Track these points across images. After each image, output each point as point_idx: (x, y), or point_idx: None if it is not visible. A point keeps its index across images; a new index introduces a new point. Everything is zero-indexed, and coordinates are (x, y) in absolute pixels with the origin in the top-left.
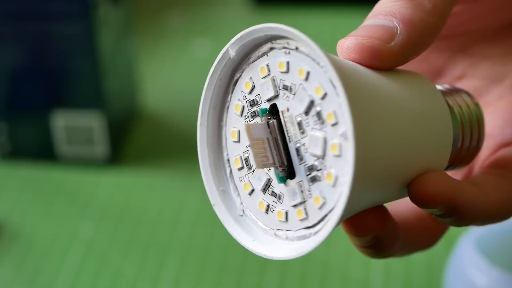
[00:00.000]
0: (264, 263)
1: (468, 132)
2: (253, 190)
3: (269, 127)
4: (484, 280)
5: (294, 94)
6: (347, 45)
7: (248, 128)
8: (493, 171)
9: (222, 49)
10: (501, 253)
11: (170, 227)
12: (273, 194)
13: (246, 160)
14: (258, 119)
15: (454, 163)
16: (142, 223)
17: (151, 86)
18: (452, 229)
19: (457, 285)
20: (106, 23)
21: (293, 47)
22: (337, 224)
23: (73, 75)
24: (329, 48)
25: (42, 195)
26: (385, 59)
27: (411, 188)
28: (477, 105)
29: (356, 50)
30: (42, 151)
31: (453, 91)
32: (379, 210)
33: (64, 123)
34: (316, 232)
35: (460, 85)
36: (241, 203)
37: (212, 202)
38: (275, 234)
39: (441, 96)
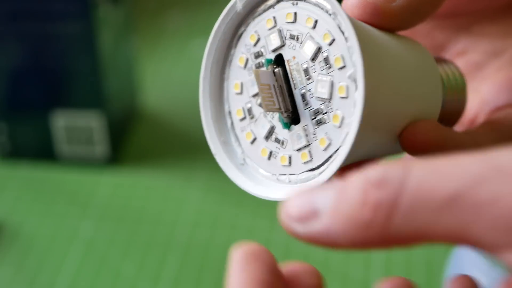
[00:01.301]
0: None
1: (453, 96)
2: (255, 139)
3: (274, 75)
4: (484, 280)
5: (300, 43)
6: (351, 2)
7: (257, 73)
8: (485, 126)
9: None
10: None
11: (170, 227)
12: (276, 140)
13: (249, 110)
14: (263, 69)
15: (441, 122)
16: (142, 223)
17: (151, 86)
18: None
19: None
20: (106, 23)
21: None
22: (342, 164)
23: (73, 75)
24: None
25: (42, 195)
26: (386, 17)
27: (403, 135)
28: (461, 74)
29: (359, 6)
30: (42, 151)
31: (442, 61)
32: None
33: (64, 123)
34: (321, 173)
35: (461, 60)
36: (242, 152)
37: (213, 152)
38: (277, 179)
39: (434, 61)
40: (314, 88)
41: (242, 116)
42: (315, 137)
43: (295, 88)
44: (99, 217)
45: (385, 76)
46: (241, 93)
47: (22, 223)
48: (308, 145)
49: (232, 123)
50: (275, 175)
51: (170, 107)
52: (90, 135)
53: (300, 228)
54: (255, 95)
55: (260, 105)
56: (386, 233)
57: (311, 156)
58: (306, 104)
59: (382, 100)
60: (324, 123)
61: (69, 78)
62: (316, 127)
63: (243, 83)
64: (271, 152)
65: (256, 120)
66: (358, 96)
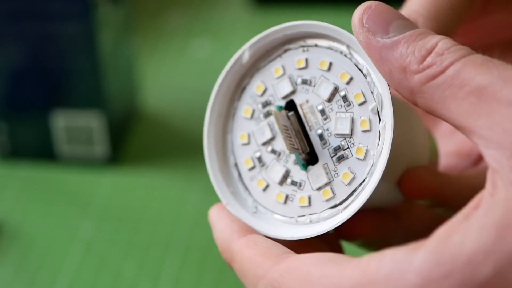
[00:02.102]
0: None
1: (432, 152)
2: (268, 185)
3: (288, 119)
4: None
5: (314, 86)
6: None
7: (276, 115)
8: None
9: (220, 47)
10: None
11: (170, 227)
12: (293, 183)
13: (259, 158)
14: (271, 118)
15: None
16: (142, 223)
17: (151, 86)
18: None
19: None
20: (106, 23)
21: (312, 44)
22: (371, 196)
23: (73, 75)
24: None
25: (42, 195)
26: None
27: (402, 181)
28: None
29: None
30: (42, 151)
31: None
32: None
33: (64, 123)
34: (346, 208)
35: None
36: (254, 201)
37: (224, 202)
38: (296, 221)
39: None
40: (333, 126)
41: (251, 165)
42: (337, 173)
43: (310, 130)
44: (99, 217)
45: (399, 116)
46: (248, 143)
47: (22, 223)
48: (330, 182)
49: (239, 174)
50: (293, 217)
51: (170, 107)
52: (90, 135)
53: None
54: (265, 143)
55: (272, 152)
56: None
57: (333, 192)
58: (325, 143)
59: (396, 133)
60: (346, 158)
61: (69, 78)
62: (338, 163)
63: (250, 133)
64: (287, 196)
65: (267, 167)
66: (387, 122)
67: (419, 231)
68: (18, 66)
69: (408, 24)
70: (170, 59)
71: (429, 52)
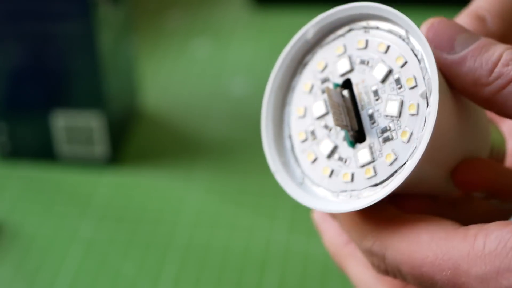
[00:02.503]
0: (264, 263)
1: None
2: (316, 159)
3: (342, 96)
4: None
5: (371, 67)
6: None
7: (328, 91)
8: None
9: (220, 47)
10: None
11: (170, 227)
12: (340, 158)
13: (312, 132)
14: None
15: None
16: (142, 223)
17: (151, 86)
18: None
19: None
20: (106, 23)
21: (374, 26)
22: (407, 177)
23: (73, 75)
24: None
25: (42, 195)
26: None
27: (455, 173)
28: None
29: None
30: (42, 151)
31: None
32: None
33: (64, 123)
34: (384, 187)
35: None
36: (302, 173)
37: (273, 170)
38: (338, 196)
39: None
40: (383, 107)
41: (304, 138)
42: (381, 153)
43: (362, 109)
44: (99, 217)
45: (448, 101)
46: (304, 116)
47: (22, 223)
48: (373, 161)
49: (292, 146)
50: (336, 192)
51: (170, 107)
52: (90, 135)
53: None
54: (319, 118)
55: (325, 127)
56: None
57: (375, 171)
58: (373, 123)
59: (444, 121)
60: (392, 139)
61: (69, 78)
62: (383, 144)
63: (307, 107)
64: (332, 170)
65: (318, 141)
66: (432, 108)
67: (475, 222)
68: (18, 66)
69: (471, 37)
70: (170, 59)
71: (496, 64)
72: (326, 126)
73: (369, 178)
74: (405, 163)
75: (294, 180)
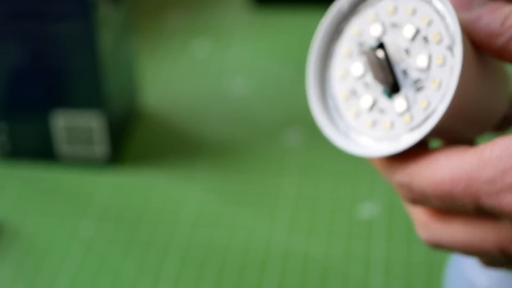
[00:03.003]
0: (264, 263)
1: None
2: (358, 113)
3: (378, 56)
4: (484, 280)
5: (401, 29)
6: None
7: (368, 53)
8: None
9: (220, 47)
10: None
11: (170, 227)
12: (380, 110)
13: (353, 90)
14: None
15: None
16: (142, 223)
17: (151, 86)
18: None
19: (457, 285)
20: (106, 23)
21: None
22: (440, 119)
23: (73, 75)
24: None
25: (42, 195)
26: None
27: None
28: None
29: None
30: (42, 151)
31: None
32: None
33: (64, 123)
34: (420, 130)
35: None
36: (346, 127)
37: (322, 124)
38: (380, 143)
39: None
40: (414, 62)
41: (346, 96)
42: (415, 101)
43: (396, 65)
44: (99, 217)
45: (470, 52)
46: (344, 77)
47: (22, 223)
48: (409, 109)
49: (335, 104)
50: (378, 139)
51: (170, 107)
52: (90, 135)
53: None
54: (358, 77)
55: (364, 84)
56: None
57: (412, 118)
58: (407, 76)
59: (469, 69)
60: (423, 89)
61: (69, 78)
62: (416, 93)
63: (347, 69)
64: (374, 121)
65: (359, 97)
66: (456, 54)
67: None
68: (18, 66)
69: (486, 1)
70: (170, 59)
71: (507, 18)
72: (365, 84)
73: (406, 124)
74: (436, 108)
75: (340, 133)
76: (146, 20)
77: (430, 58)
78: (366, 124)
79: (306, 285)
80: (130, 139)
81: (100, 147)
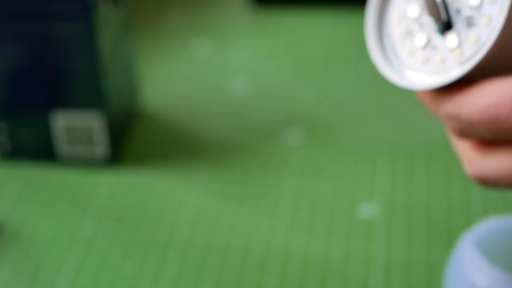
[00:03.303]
0: (264, 263)
1: None
2: (413, 51)
3: None
4: (484, 280)
5: None
6: None
7: None
8: None
9: (220, 47)
10: (501, 253)
11: (170, 227)
12: (433, 47)
13: (409, 31)
14: None
15: None
16: (142, 223)
17: (151, 86)
18: (453, 230)
19: (457, 286)
20: (106, 23)
21: None
22: (489, 50)
23: (73, 75)
24: (329, 48)
25: (42, 195)
26: None
27: None
28: None
29: None
30: (42, 151)
31: None
32: None
33: (64, 123)
34: (470, 61)
35: None
36: (401, 63)
37: (377, 60)
38: (432, 77)
39: None
40: (467, 0)
41: (402, 36)
42: (467, 37)
43: (450, 4)
44: (99, 217)
45: None
46: (401, 19)
47: (22, 223)
48: (461, 44)
49: (392, 44)
50: (430, 74)
51: (170, 107)
52: (90, 135)
53: None
54: (414, 18)
55: (419, 24)
56: None
57: (463, 53)
58: (460, 14)
59: None
60: (475, 25)
61: (69, 78)
62: (468, 29)
63: (404, 11)
64: (427, 58)
65: (413, 36)
66: None
67: None
68: (18, 66)
69: None
70: (170, 59)
71: None
72: (420, 24)
73: (457, 59)
74: (486, 41)
75: (393, 69)
76: (146, 20)
77: None
78: (419, 61)
79: (306, 285)
80: (130, 139)
81: (100, 147)
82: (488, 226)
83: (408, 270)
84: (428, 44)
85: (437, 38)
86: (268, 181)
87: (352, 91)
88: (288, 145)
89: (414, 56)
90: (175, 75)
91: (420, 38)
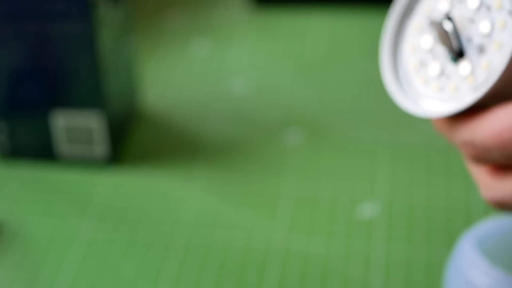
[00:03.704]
0: (264, 263)
1: None
2: (427, 80)
3: (446, 27)
4: (484, 280)
5: (465, 2)
6: None
7: (437, 25)
8: None
9: (220, 47)
10: (501, 253)
11: (170, 227)
12: (446, 75)
13: (422, 61)
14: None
15: None
16: (142, 223)
17: (151, 86)
18: (453, 230)
19: (457, 286)
20: (106, 23)
21: None
22: (502, 73)
23: (73, 75)
24: (329, 48)
25: (42, 195)
26: None
27: None
28: None
29: None
30: (42, 151)
31: None
32: None
33: (64, 123)
34: (481, 87)
35: None
36: (414, 94)
37: (391, 91)
38: (446, 103)
39: None
40: (477, 29)
41: (416, 66)
42: (479, 64)
43: (461, 33)
44: (99, 217)
45: None
46: (415, 50)
47: (22, 223)
48: (473, 71)
49: (405, 74)
50: (445, 100)
51: (170, 107)
52: (90, 135)
53: None
54: (427, 49)
55: (432, 55)
56: None
57: (475, 79)
58: (471, 42)
59: None
60: (486, 52)
61: (69, 78)
62: (480, 56)
63: (417, 43)
64: (442, 86)
65: (428, 66)
66: None
67: None
68: (18, 66)
69: None
70: (170, 59)
71: None
72: (433, 54)
73: (471, 85)
74: (498, 67)
75: (408, 98)
76: (146, 20)
77: (492, 24)
78: (434, 90)
79: (306, 285)
80: (130, 139)
81: (100, 147)
82: (488, 226)
83: (408, 270)
84: (442, 73)
85: (450, 66)
86: (268, 181)
87: (352, 91)
88: (288, 145)
89: (429, 85)
90: (175, 75)
91: (433, 68)
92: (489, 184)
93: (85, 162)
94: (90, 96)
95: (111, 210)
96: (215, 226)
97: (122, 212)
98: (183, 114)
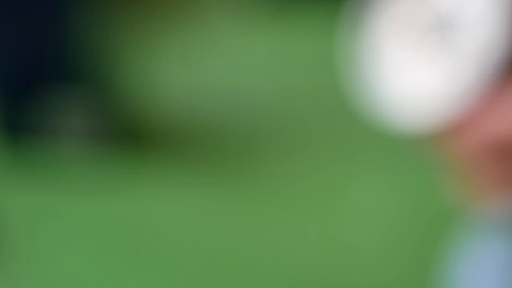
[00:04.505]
0: (260, 272)
1: None
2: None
3: None
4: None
5: None
6: None
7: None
8: None
9: (227, 46)
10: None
11: (155, 241)
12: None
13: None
14: None
15: None
16: (143, 233)
17: (152, 90)
18: (450, 230)
19: (455, 285)
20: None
21: None
22: None
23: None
24: (328, 49)
25: (42, 194)
26: None
27: None
28: None
29: None
30: (39, 127)
31: None
32: None
33: (60, 100)
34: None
35: None
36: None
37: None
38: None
39: None
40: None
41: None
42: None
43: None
44: (97, 231)
45: None
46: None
47: (22, 223)
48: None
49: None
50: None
51: (172, 114)
52: (85, 112)
53: None
54: (407, 20)
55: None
56: None
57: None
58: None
59: None
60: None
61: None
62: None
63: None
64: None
65: (408, 34)
66: None
67: None
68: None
69: None
70: (173, 65)
71: None
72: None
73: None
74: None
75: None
76: (171, 14)
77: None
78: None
79: (310, 285)
80: (130, 149)
81: (100, 148)
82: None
83: (407, 269)
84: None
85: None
86: (267, 182)
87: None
88: (290, 147)
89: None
90: (177, 82)
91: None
92: (490, 193)
93: (86, 164)
94: (86, 92)
95: (109, 223)
96: (215, 228)
97: (122, 225)
98: (183, 121)
